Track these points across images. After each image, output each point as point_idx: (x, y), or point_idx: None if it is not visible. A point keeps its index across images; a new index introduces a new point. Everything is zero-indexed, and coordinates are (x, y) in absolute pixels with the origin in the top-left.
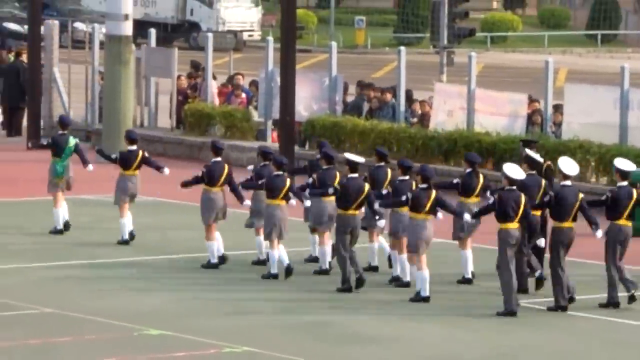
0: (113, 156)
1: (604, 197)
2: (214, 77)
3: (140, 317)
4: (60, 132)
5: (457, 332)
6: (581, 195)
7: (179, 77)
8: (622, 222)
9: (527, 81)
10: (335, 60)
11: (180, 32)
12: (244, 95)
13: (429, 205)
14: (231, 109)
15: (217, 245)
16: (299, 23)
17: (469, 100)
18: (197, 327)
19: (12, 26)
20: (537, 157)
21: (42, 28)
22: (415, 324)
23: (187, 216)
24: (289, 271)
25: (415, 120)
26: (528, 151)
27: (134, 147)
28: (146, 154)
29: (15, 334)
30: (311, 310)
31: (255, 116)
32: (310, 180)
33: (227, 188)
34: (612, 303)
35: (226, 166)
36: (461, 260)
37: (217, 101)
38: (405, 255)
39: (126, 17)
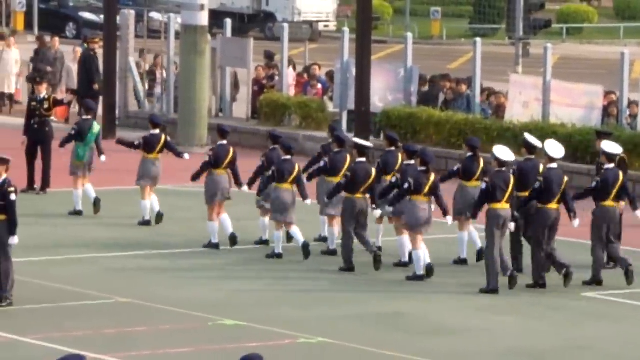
0: (136, 142)
1: (593, 184)
2: (294, 67)
3: (215, 308)
4: (85, 116)
5: (531, 323)
6: (566, 179)
7: (256, 67)
8: (609, 203)
9: (602, 73)
10: (410, 51)
11: (255, 22)
12: (319, 85)
13: (427, 187)
14: (307, 99)
15: (226, 225)
16: (374, 14)
17: (544, 92)
18: (272, 318)
19: (88, 16)
20: (535, 142)
21: (118, 18)
22: (489, 314)
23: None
24: (306, 250)
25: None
26: (527, 135)
27: (157, 131)
28: (169, 139)
29: (91, 324)
30: (383, 300)
31: (331, 107)
32: (323, 163)
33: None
34: (595, 281)
35: (231, 149)
36: (457, 241)
37: (292, 91)
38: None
39: (202, 7)
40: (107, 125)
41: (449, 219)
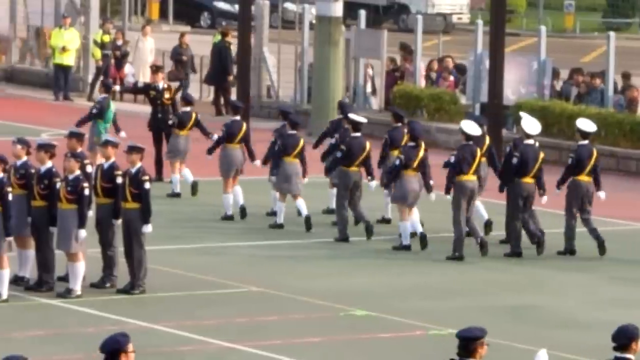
0: (170, 122)
1: (570, 161)
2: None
3: (347, 298)
4: (104, 95)
5: None
6: (542, 155)
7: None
8: (583, 177)
9: None
10: (544, 44)
11: (389, 14)
12: (452, 78)
13: (417, 161)
14: (439, 91)
15: (238, 197)
16: (508, 7)
17: None
18: (403, 309)
19: (223, 5)
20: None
21: (253, 8)
22: (622, 310)
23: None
24: (308, 222)
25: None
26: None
27: (188, 109)
28: (199, 117)
29: (223, 312)
30: (512, 292)
31: (463, 99)
32: (340, 152)
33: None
34: (569, 250)
35: (244, 124)
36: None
37: (423, 83)
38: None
39: None
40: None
41: (432, 195)
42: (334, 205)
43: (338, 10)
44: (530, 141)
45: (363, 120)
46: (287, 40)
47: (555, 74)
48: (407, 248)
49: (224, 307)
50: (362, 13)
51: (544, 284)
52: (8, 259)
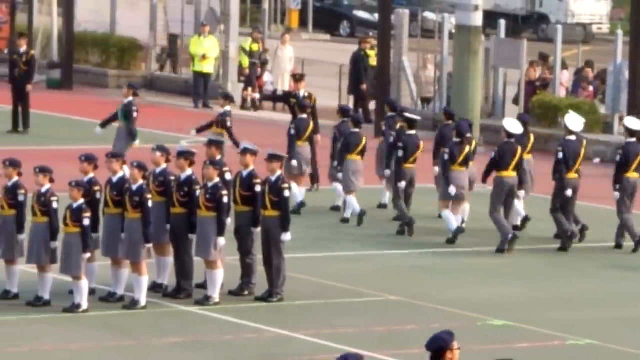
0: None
1: (618, 159)
2: (565, 67)
3: (485, 308)
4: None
5: None
6: (583, 151)
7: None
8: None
9: None
10: None
11: (529, 23)
12: (591, 88)
13: (462, 157)
14: (578, 101)
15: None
16: None
17: None
18: (541, 319)
19: (362, 14)
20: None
21: (393, 17)
22: None
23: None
24: (360, 218)
25: None
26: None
27: (228, 108)
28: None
29: (361, 321)
30: None
31: (602, 109)
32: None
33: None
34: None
35: (311, 123)
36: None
37: (563, 93)
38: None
39: (476, 7)
40: (378, 122)
41: (452, 189)
42: (385, 201)
43: (478, 19)
44: (572, 137)
45: (417, 118)
46: (427, 49)
47: None
48: (461, 231)
49: (362, 315)
50: (502, 22)
51: None
52: (147, 266)
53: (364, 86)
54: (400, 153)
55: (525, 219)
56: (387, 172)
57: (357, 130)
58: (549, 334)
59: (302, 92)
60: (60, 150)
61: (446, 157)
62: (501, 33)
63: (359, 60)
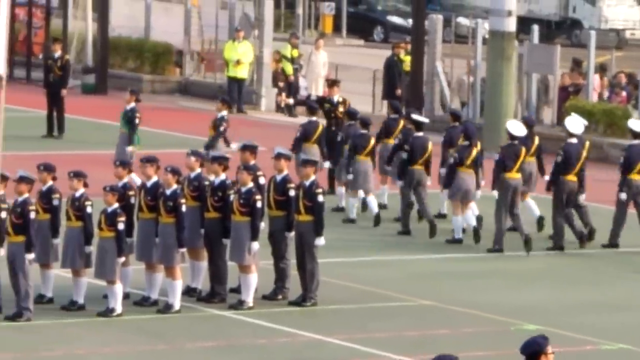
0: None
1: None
2: (603, 70)
3: (517, 312)
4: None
5: None
6: (585, 154)
7: (562, 74)
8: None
9: None
10: None
11: (562, 29)
12: (624, 93)
13: (470, 159)
14: (612, 107)
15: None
16: None
17: None
18: (574, 323)
19: (396, 19)
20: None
21: (426, 22)
22: None
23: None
24: (377, 219)
25: None
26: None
27: (225, 112)
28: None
29: (393, 325)
30: None
31: (635, 115)
32: (405, 153)
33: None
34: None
35: (320, 125)
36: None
37: (595, 98)
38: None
39: (509, 13)
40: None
41: (478, 193)
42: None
43: (511, 25)
44: (574, 140)
45: (425, 120)
46: (461, 54)
47: None
48: (459, 241)
49: (395, 320)
50: (535, 28)
51: None
52: (181, 270)
53: (399, 91)
54: (405, 155)
55: (540, 220)
56: (389, 168)
57: (365, 131)
58: (582, 339)
59: (336, 98)
60: (95, 154)
61: (452, 160)
62: (534, 38)
63: (392, 65)
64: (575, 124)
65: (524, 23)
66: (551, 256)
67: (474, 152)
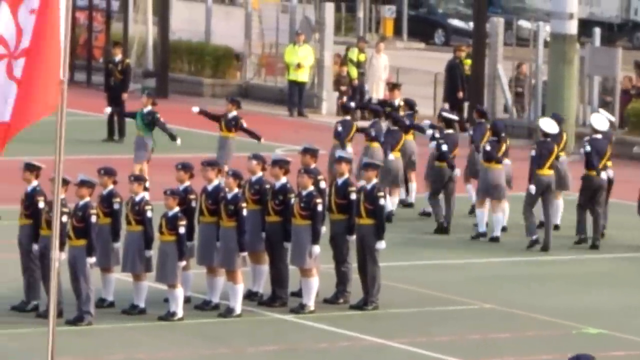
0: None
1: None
2: None
3: (579, 316)
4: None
5: None
6: (609, 150)
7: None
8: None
9: None
10: None
11: (624, 31)
12: None
13: (500, 154)
14: None
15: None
16: None
17: None
18: (637, 327)
19: (457, 23)
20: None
21: (487, 25)
22: None
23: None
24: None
25: None
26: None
27: (235, 112)
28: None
29: (455, 329)
30: None
31: None
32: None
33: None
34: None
35: (354, 124)
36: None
37: None
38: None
39: (571, 15)
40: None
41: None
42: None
43: (573, 28)
44: (599, 136)
45: (455, 117)
46: (522, 57)
47: None
48: (483, 235)
49: (456, 323)
50: (597, 31)
51: None
52: (242, 274)
53: (461, 94)
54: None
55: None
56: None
57: (396, 128)
58: None
59: (397, 101)
60: (155, 158)
61: (482, 157)
62: (596, 41)
63: (454, 68)
64: (600, 120)
65: (586, 26)
66: (610, 260)
67: (503, 147)
